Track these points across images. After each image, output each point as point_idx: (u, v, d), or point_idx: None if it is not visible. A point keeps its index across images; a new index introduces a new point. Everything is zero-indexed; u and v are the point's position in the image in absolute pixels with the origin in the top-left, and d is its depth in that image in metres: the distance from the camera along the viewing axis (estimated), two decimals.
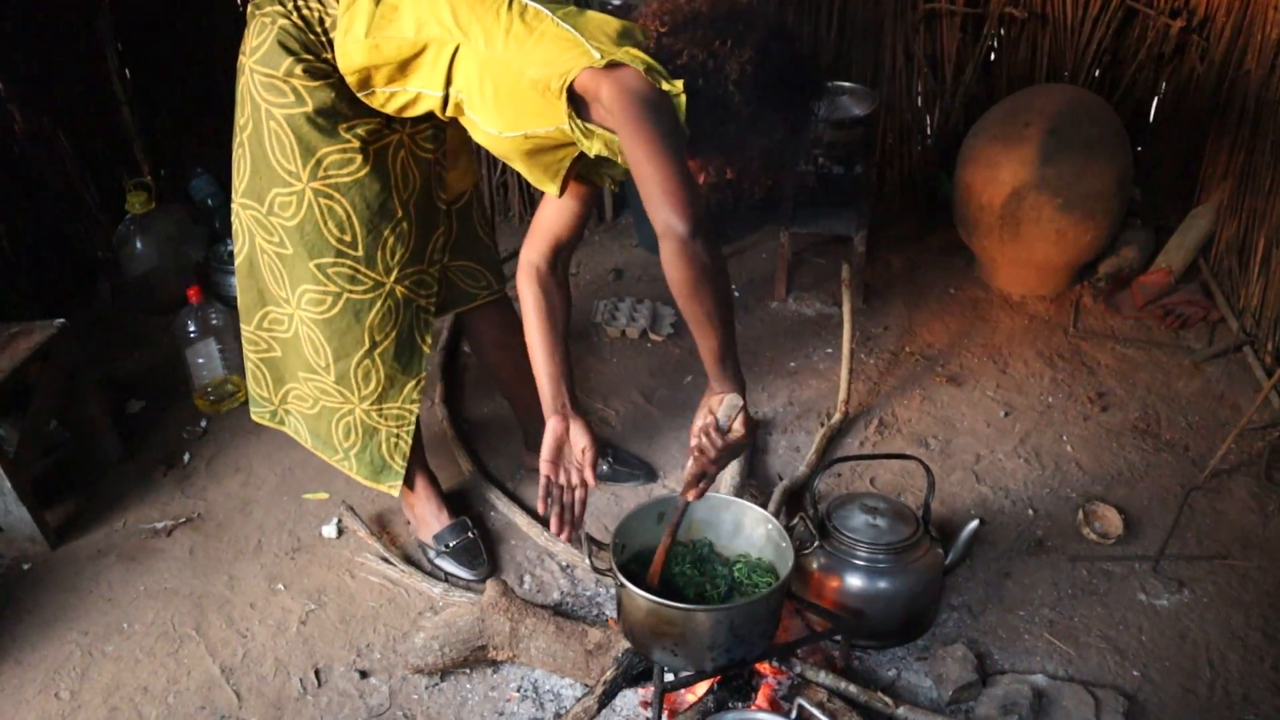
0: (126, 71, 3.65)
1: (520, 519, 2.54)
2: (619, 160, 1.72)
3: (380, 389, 2.21)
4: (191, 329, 2.95)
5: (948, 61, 3.85)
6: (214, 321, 2.95)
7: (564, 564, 2.45)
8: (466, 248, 2.34)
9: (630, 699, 2.07)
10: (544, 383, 1.89)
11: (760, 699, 1.99)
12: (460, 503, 2.61)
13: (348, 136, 1.95)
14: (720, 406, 1.76)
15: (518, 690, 2.12)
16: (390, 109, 1.93)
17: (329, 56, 1.90)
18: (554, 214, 1.96)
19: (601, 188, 1.99)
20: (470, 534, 2.45)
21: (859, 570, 2.12)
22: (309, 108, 1.90)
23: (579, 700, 1.95)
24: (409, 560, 2.46)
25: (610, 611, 2.30)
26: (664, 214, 1.55)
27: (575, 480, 1.85)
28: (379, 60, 1.84)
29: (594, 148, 1.72)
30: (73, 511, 2.65)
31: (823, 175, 3.34)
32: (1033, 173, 3.20)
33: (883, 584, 2.11)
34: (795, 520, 2.19)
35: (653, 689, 1.94)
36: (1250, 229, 3.24)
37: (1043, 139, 3.19)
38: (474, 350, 2.78)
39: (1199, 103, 3.58)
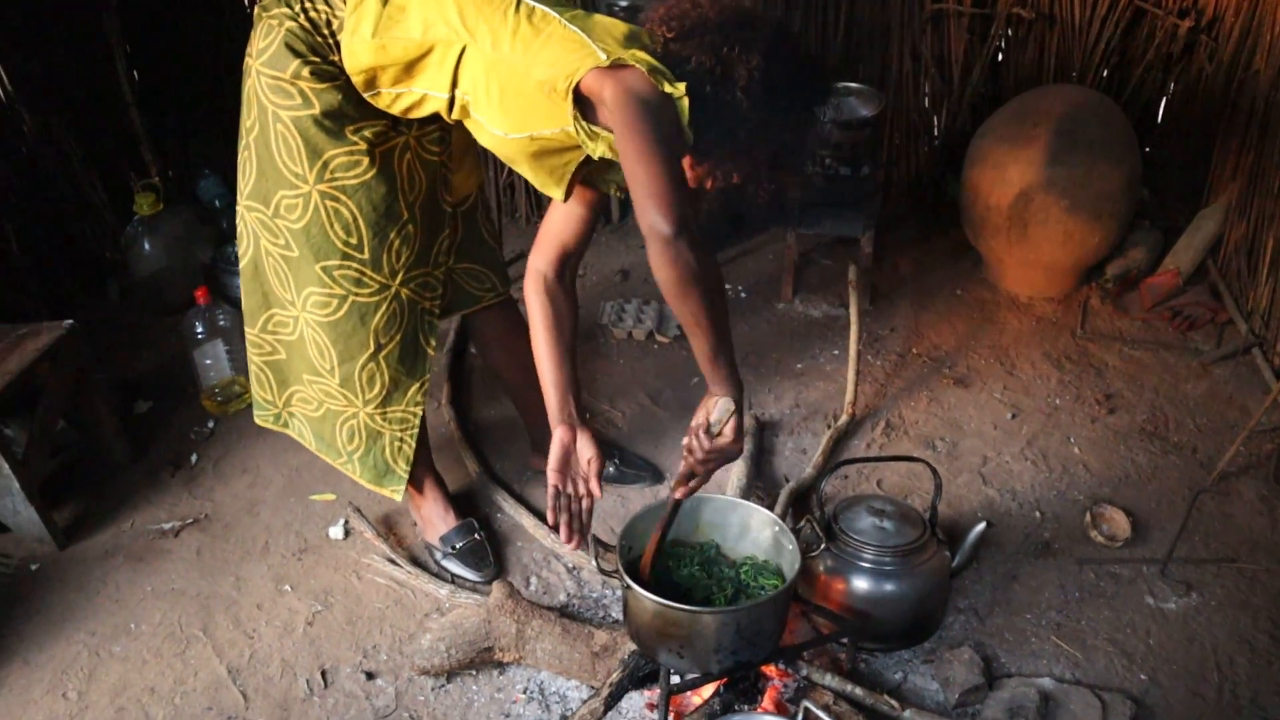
0: (135, 73, 3.65)
1: (527, 521, 2.54)
2: None
3: (384, 392, 2.21)
4: (199, 330, 2.95)
5: (955, 62, 3.85)
6: (221, 323, 2.96)
7: (570, 566, 2.45)
8: (471, 250, 2.34)
9: (636, 701, 2.06)
10: (550, 392, 1.89)
11: (766, 701, 1.99)
12: (467, 504, 2.61)
13: (354, 139, 1.95)
14: (713, 410, 1.76)
15: (524, 692, 2.12)
16: (395, 110, 1.93)
17: (336, 59, 1.91)
18: (560, 221, 1.96)
19: (608, 194, 1.98)
20: (477, 536, 2.46)
21: (865, 573, 2.11)
22: (316, 110, 1.91)
23: (585, 702, 1.95)
24: (415, 562, 2.46)
25: (617, 613, 2.30)
26: (649, 214, 1.55)
27: (582, 490, 1.85)
28: (385, 61, 1.85)
29: (598, 150, 1.72)
30: (80, 512, 2.66)
31: (830, 176, 3.33)
32: (1040, 174, 3.19)
33: (889, 586, 2.10)
34: (802, 523, 2.18)
35: (659, 691, 1.94)
36: (1259, 230, 3.23)
37: (1050, 140, 3.19)
38: (479, 352, 2.78)
39: (1208, 103, 3.57)
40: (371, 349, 2.14)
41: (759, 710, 1.97)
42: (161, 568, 2.48)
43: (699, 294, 1.59)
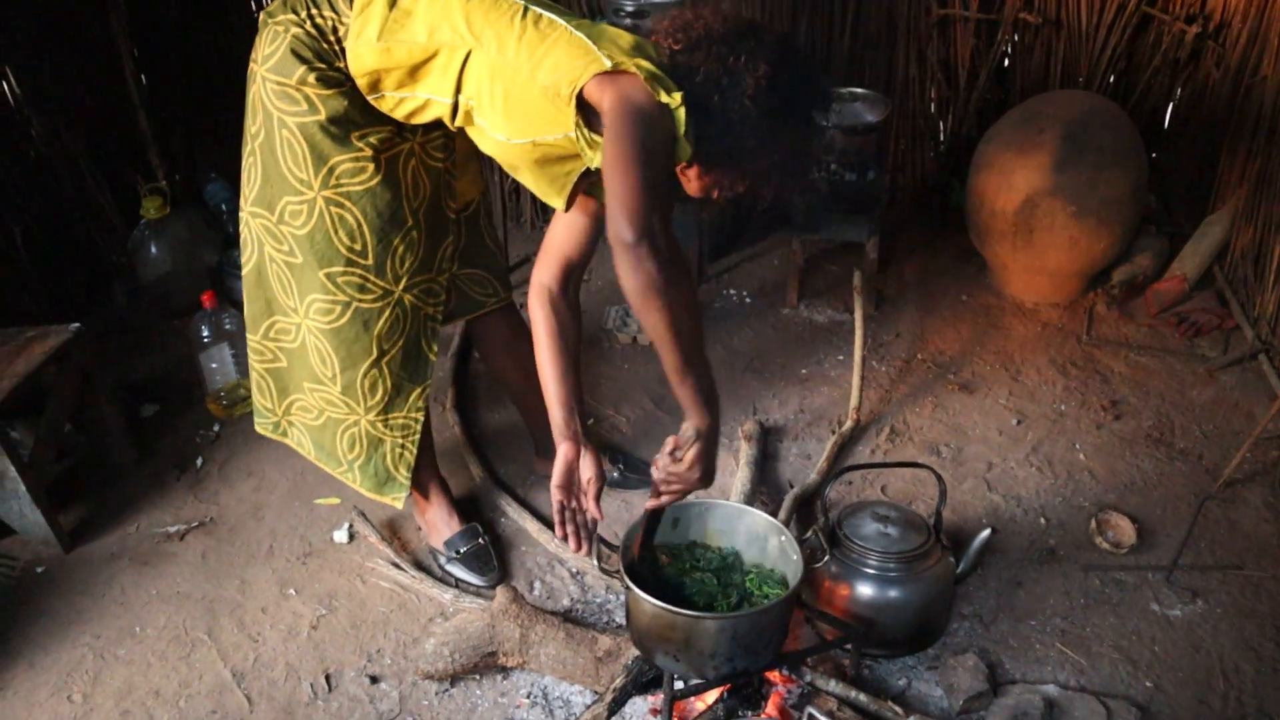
0: (142, 77, 3.67)
1: (531, 525, 2.54)
2: None
3: (386, 398, 2.21)
4: (205, 334, 2.96)
5: (961, 67, 3.85)
6: (227, 326, 2.97)
7: (574, 570, 2.45)
8: (475, 256, 2.34)
9: (640, 706, 2.06)
10: (554, 407, 1.89)
11: (770, 707, 1.99)
12: (471, 509, 2.61)
13: (360, 145, 1.95)
14: (682, 432, 1.75)
15: (527, 697, 2.12)
16: (399, 115, 1.93)
17: (341, 65, 1.91)
18: (563, 233, 1.96)
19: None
20: (481, 540, 2.46)
21: (870, 579, 2.11)
22: (322, 116, 1.91)
23: (589, 707, 1.95)
24: (420, 566, 2.46)
25: (620, 619, 2.29)
26: (615, 222, 1.55)
27: (586, 505, 1.86)
28: (390, 64, 1.85)
29: (595, 160, 1.73)
30: (86, 515, 2.66)
31: (835, 182, 3.33)
32: (1046, 179, 3.19)
33: (894, 593, 2.10)
34: (809, 533, 2.18)
35: (662, 697, 1.94)
36: (1266, 236, 3.22)
37: (1057, 145, 3.18)
38: (483, 358, 2.79)
39: (1215, 109, 3.56)
40: (374, 355, 2.14)
41: (763, 716, 1.96)
42: (166, 571, 2.49)
43: (660, 305, 1.56)
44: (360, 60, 1.88)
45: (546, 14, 1.79)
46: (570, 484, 1.85)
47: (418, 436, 2.29)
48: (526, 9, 1.80)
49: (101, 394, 2.73)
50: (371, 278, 2.08)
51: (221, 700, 2.15)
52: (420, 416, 2.27)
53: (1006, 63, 3.87)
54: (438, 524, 2.48)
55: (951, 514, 2.57)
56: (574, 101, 1.69)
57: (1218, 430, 2.88)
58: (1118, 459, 2.78)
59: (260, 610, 2.37)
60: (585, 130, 1.71)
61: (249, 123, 2.02)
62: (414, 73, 1.86)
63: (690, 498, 1.91)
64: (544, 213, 4.04)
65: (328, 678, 2.19)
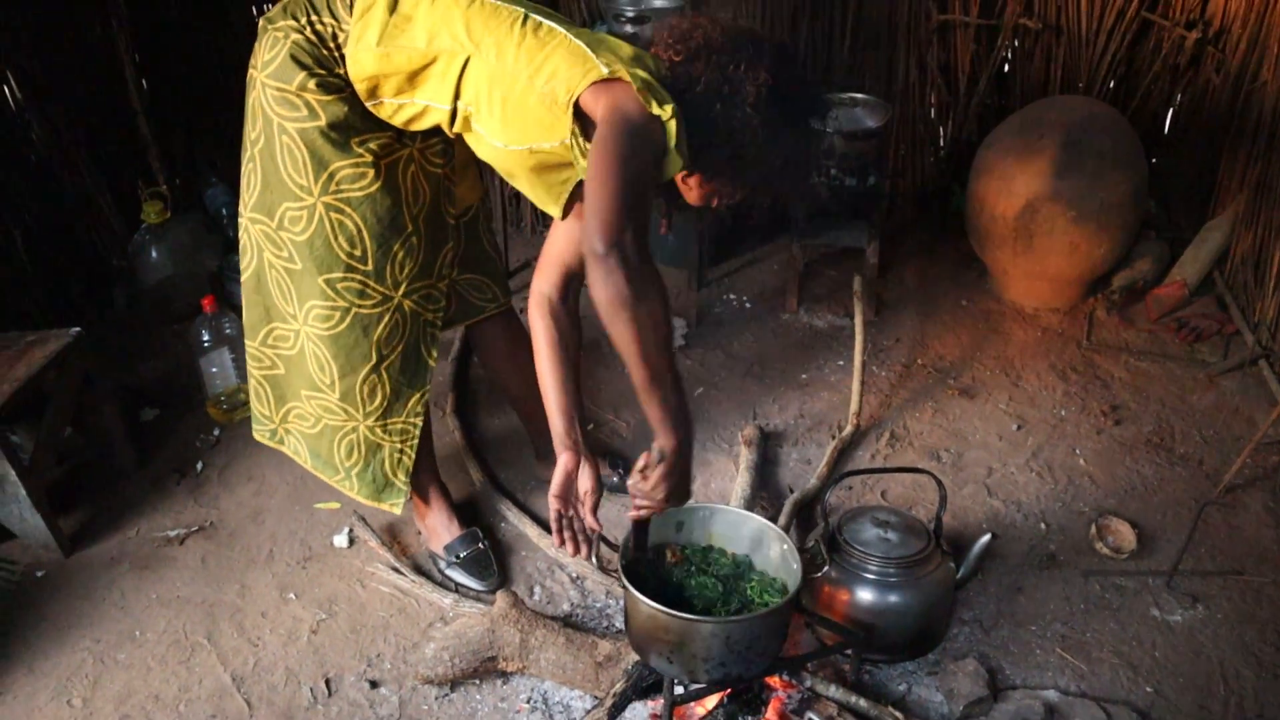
0: (143, 81, 3.67)
1: (531, 530, 2.54)
2: None
3: (385, 404, 2.21)
4: (205, 338, 2.96)
5: (961, 73, 3.85)
6: (228, 331, 2.97)
7: (574, 575, 2.44)
8: (474, 261, 2.34)
9: (640, 711, 2.06)
10: (555, 416, 1.89)
11: (770, 712, 1.99)
12: (471, 514, 2.61)
13: (360, 151, 1.95)
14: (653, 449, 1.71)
15: (527, 702, 2.11)
16: (397, 121, 1.93)
17: (342, 72, 1.91)
18: (562, 242, 1.96)
19: None
20: (481, 545, 2.46)
21: (870, 584, 2.11)
22: (322, 122, 1.91)
23: (589, 712, 1.95)
24: (420, 571, 2.46)
25: (620, 623, 2.29)
26: (588, 232, 1.51)
27: (583, 515, 1.86)
28: (388, 69, 1.85)
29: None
30: (86, 519, 2.66)
31: (835, 187, 3.33)
32: (1046, 185, 3.19)
33: (894, 598, 2.10)
34: (812, 542, 2.18)
35: (662, 701, 1.94)
36: (1266, 242, 3.22)
37: (1057, 151, 3.19)
38: (483, 363, 2.79)
39: (1215, 115, 3.56)
40: (374, 361, 2.14)
41: None
42: (166, 575, 2.49)
43: (626, 318, 1.52)
44: (360, 65, 1.88)
45: (546, 22, 1.80)
46: (568, 494, 1.85)
47: (416, 441, 2.29)
48: (527, 17, 1.80)
49: (102, 398, 2.73)
50: (371, 283, 2.08)
51: (221, 705, 2.15)
52: (419, 422, 2.27)
53: (1006, 68, 3.88)
54: (438, 529, 2.48)
55: (951, 519, 2.57)
56: (571, 109, 1.70)
57: (1218, 435, 2.88)
58: (1118, 464, 2.78)
59: (260, 615, 2.37)
60: (580, 139, 1.71)
61: (248, 129, 2.02)
62: (413, 79, 1.86)
63: (692, 502, 1.91)
64: (544, 218, 4.04)
65: (327, 682, 2.19)
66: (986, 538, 2.21)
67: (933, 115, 4.00)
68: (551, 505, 1.85)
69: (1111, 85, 3.75)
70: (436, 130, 1.93)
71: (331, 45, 1.91)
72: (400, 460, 2.29)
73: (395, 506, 2.34)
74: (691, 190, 1.88)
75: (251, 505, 2.71)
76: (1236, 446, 2.76)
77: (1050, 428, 2.93)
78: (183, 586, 2.45)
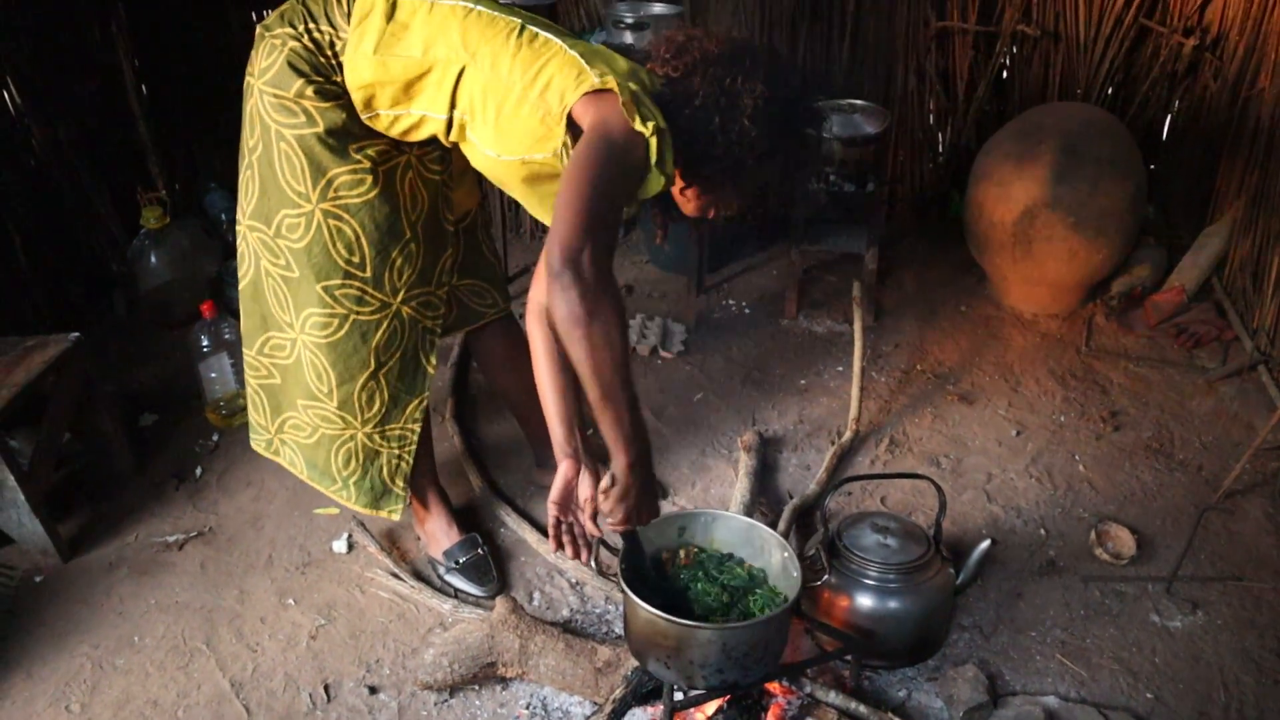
0: (143, 86, 3.68)
1: (530, 536, 2.54)
2: None
3: (384, 410, 2.21)
4: (204, 343, 2.96)
5: (960, 79, 3.86)
6: (227, 336, 2.97)
7: (573, 581, 2.44)
8: (473, 267, 2.34)
9: (639, 718, 2.05)
10: (555, 424, 1.90)
11: (770, 718, 1.99)
12: (470, 519, 2.61)
13: (358, 157, 1.95)
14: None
15: (526, 707, 2.11)
16: (394, 132, 1.93)
17: (339, 79, 1.91)
18: None
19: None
20: (480, 550, 2.45)
21: (870, 590, 2.11)
22: (320, 128, 1.91)
23: (588, 718, 1.95)
24: (419, 576, 2.46)
25: (620, 629, 2.29)
26: (548, 248, 1.53)
27: (582, 521, 1.87)
28: (385, 78, 1.85)
29: None
30: (85, 524, 2.66)
31: (834, 193, 3.34)
32: (1045, 191, 3.20)
33: (893, 604, 2.10)
34: (812, 549, 2.18)
35: (662, 708, 1.93)
36: (1264, 248, 3.23)
37: (1055, 157, 3.19)
38: (482, 369, 2.79)
39: (1212, 121, 3.58)
40: (372, 368, 2.14)
41: None
42: (165, 581, 2.48)
43: (578, 337, 1.52)
44: (357, 73, 1.88)
45: (542, 33, 1.80)
46: (567, 501, 1.86)
47: (414, 448, 2.29)
48: (523, 28, 1.81)
49: (101, 403, 2.73)
50: (370, 290, 2.08)
51: (220, 710, 2.14)
52: (417, 428, 2.27)
53: (1005, 74, 3.89)
54: (437, 534, 2.47)
55: (951, 525, 2.57)
56: (564, 121, 1.70)
57: (1217, 441, 2.88)
58: (1117, 470, 2.78)
59: (259, 620, 2.37)
60: (570, 151, 1.72)
61: (246, 136, 2.02)
62: (408, 89, 1.86)
63: (692, 507, 1.91)
64: (543, 224, 4.03)
65: (326, 688, 2.19)
66: (986, 544, 2.21)
67: (931, 121, 4.01)
68: (550, 511, 1.86)
69: (1109, 92, 3.76)
70: (433, 140, 1.93)
71: (329, 53, 1.91)
72: (398, 467, 2.29)
73: (394, 514, 2.33)
74: (689, 201, 1.89)
75: (250, 511, 2.70)
76: (1236, 452, 2.77)
77: (1049, 433, 2.93)
78: (181, 592, 2.45)
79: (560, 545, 1.89)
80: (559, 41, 1.78)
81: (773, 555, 2.03)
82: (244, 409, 2.97)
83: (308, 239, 2.01)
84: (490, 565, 2.44)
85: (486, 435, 2.98)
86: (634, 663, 1.99)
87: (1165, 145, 3.83)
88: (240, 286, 2.19)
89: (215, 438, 2.97)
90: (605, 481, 1.73)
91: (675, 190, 1.88)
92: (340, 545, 2.55)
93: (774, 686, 2.03)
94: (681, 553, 2.04)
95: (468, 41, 1.80)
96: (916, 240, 3.97)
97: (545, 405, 1.92)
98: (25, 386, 2.42)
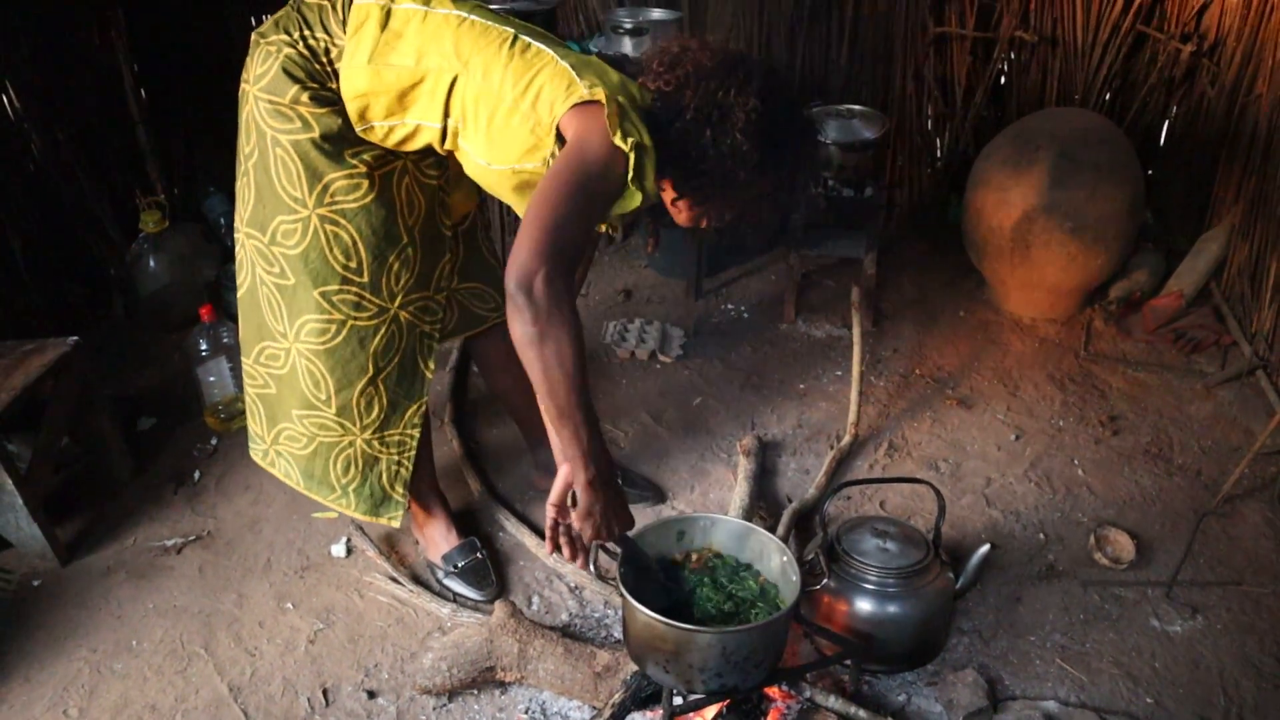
0: (142, 91, 3.68)
1: (529, 540, 2.53)
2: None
3: (382, 416, 2.20)
4: (203, 347, 2.96)
5: (958, 85, 3.87)
6: (225, 340, 2.97)
7: (572, 585, 2.44)
8: (473, 270, 2.35)
9: None
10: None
11: None
12: (469, 523, 2.61)
13: (354, 162, 1.95)
14: None
15: (525, 712, 2.11)
16: (390, 143, 1.94)
17: (334, 86, 1.91)
18: None
19: (599, 231, 1.98)
20: (479, 554, 2.45)
21: (869, 594, 2.11)
22: (316, 133, 1.91)
23: None
24: (417, 580, 2.45)
25: (619, 634, 2.29)
26: (509, 265, 1.56)
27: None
28: (379, 87, 1.86)
29: None
30: (83, 528, 2.65)
31: (833, 198, 3.35)
32: (1043, 196, 3.21)
33: (893, 608, 2.10)
34: (811, 554, 2.18)
35: (661, 712, 1.93)
36: (1262, 253, 3.24)
37: (1053, 163, 3.20)
38: (482, 373, 2.79)
39: (1210, 127, 3.59)
40: (370, 373, 2.14)
41: None
42: (163, 585, 2.48)
43: (531, 357, 1.57)
44: (352, 82, 1.88)
45: (535, 43, 1.81)
46: (566, 503, 1.86)
47: (413, 453, 2.29)
48: (516, 38, 1.81)
49: (99, 407, 2.72)
50: (367, 295, 2.07)
51: (218, 715, 2.14)
52: (416, 434, 2.27)
53: (1003, 80, 3.90)
54: (436, 538, 2.47)
55: (950, 529, 2.57)
56: (554, 132, 1.71)
57: (1216, 446, 2.88)
58: (1116, 474, 2.78)
59: (257, 624, 2.36)
60: None
61: (242, 143, 2.02)
62: (403, 99, 1.86)
63: (690, 511, 1.91)
64: None
65: (325, 692, 2.18)
66: (985, 548, 2.21)
67: (929, 127, 4.02)
68: (549, 513, 1.86)
69: (1107, 98, 3.77)
70: (429, 149, 1.93)
71: (324, 60, 1.91)
72: (398, 473, 2.29)
73: (394, 520, 2.33)
74: (680, 212, 1.90)
75: (249, 514, 2.70)
76: (1234, 457, 2.77)
77: (1048, 438, 2.93)
78: (180, 596, 2.44)
79: (556, 547, 1.89)
80: (551, 52, 1.79)
81: (772, 559, 2.02)
82: (242, 413, 2.97)
83: (304, 245, 2.00)
84: (489, 569, 2.44)
85: (485, 439, 2.98)
86: (633, 667, 1.99)
87: (1163, 151, 3.84)
88: (239, 294, 2.19)
89: (214, 441, 2.97)
90: (567, 500, 1.77)
91: (667, 201, 1.89)
92: (339, 549, 2.55)
93: (773, 691, 2.03)
94: (694, 556, 2.04)
95: (460, 51, 1.80)
96: (915, 245, 3.97)
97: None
98: (24, 390, 2.41)
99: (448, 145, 1.88)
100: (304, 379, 2.14)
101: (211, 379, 2.99)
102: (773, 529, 2.44)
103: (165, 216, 3.45)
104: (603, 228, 1.92)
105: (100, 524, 2.67)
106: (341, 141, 1.94)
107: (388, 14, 1.87)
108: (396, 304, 2.11)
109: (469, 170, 1.91)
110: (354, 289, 2.05)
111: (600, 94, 1.67)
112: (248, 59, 1.97)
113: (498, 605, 2.17)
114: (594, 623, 2.34)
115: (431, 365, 2.25)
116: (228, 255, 3.63)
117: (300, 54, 1.90)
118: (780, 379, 3.24)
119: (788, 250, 3.48)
